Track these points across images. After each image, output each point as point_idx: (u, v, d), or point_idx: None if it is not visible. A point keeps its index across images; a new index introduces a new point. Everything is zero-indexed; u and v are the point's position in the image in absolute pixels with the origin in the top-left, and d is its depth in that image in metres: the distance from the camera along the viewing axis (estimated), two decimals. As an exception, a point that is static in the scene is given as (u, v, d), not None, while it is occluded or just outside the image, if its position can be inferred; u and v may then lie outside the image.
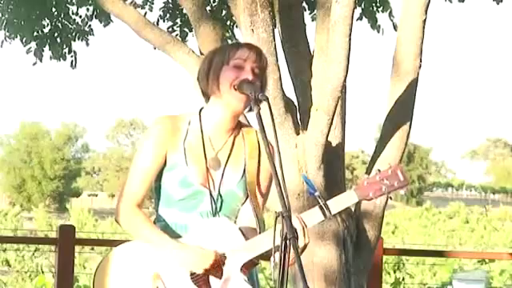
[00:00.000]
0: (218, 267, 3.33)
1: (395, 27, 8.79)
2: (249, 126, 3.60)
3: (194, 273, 3.35)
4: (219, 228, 3.37)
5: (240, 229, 3.37)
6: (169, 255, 3.36)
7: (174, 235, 3.40)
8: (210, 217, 3.43)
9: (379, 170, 3.35)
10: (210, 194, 3.44)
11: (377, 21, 8.85)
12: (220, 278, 3.34)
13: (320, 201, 3.32)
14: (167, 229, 3.43)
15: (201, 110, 3.53)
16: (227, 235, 3.35)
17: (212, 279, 3.35)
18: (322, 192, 5.82)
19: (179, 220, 3.45)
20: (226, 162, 3.48)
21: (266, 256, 3.28)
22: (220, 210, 3.46)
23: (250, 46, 3.51)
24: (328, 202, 3.33)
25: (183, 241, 3.39)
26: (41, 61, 8.80)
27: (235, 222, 3.47)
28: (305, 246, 3.33)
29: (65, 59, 8.86)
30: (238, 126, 3.54)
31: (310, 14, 8.41)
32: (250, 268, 3.39)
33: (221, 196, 3.45)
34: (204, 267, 3.32)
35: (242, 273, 3.33)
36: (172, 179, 3.44)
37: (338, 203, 3.34)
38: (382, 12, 8.86)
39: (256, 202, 3.45)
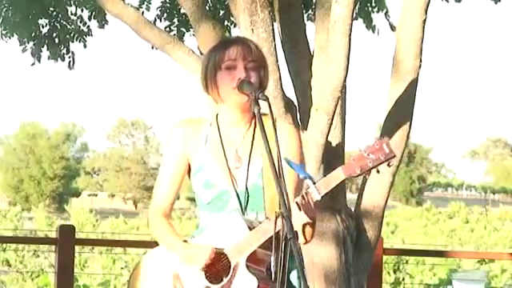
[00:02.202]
0: (219, 262, 3.35)
1: (392, 27, 8.79)
2: (263, 114, 3.45)
3: (207, 271, 3.38)
4: (227, 224, 3.40)
5: (247, 223, 3.37)
6: (178, 256, 3.44)
7: None
8: (240, 214, 3.44)
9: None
10: (236, 192, 3.45)
11: (372, 21, 8.84)
12: (228, 273, 3.36)
13: (310, 183, 3.30)
14: (203, 232, 3.49)
15: (217, 115, 3.55)
16: (234, 230, 3.37)
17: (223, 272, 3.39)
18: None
19: (211, 222, 3.48)
20: (250, 157, 3.48)
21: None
22: (247, 206, 3.46)
23: (236, 43, 3.48)
24: (317, 184, 3.30)
25: (196, 240, 3.46)
26: (39, 61, 8.79)
27: (266, 217, 3.42)
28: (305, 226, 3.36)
29: (63, 60, 8.85)
30: (253, 117, 3.50)
31: (305, 13, 8.38)
32: (260, 257, 3.37)
33: (247, 191, 3.45)
34: (201, 262, 3.35)
35: (248, 264, 3.34)
36: (198, 183, 3.49)
37: (326, 183, 3.30)
38: (378, 12, 8.85)
39: (270, 188, 3.40)
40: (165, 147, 3.59)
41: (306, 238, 3.42)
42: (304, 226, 3.38)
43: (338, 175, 3.30)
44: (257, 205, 3.46)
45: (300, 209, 3.28)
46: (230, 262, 3.35)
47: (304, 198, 3.30)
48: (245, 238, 3.34)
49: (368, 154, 3.25)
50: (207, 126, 3.53)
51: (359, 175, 3.29)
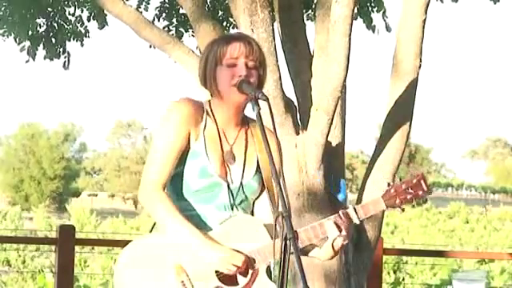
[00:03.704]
0: (245, 269, 3.31)
1: (387, 27, 8.83)
2: (254, 120, 3.48)
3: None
4: (247, 225, 3.36)
5: (265, 226, 3.36)
6: (196, 250, 3.30)
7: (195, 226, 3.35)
8: (228, 210, 3.40)
9: (400, 179, 3.60)
10: (228, 187, 3.42)
11: (372, 21, 8.86)
12: (245, 276, 3.32)
13: (351, 207, 3.44)
14: (188, 219, 3.35)
15: (209, 102, 3.49)
16: (255, 233, 3.34)
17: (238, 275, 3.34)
18: (322, 192, 5.82)
19: (195, 211, 3.40)
20: (245, 157, 3.46)
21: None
22: (236, 203, 3.43)
23: (239, 40, 3.46)
24: (356, 208, 3.43)
25: (210, 235, 3.34)
26: (33, 59, 8.76)
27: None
28: (343, 246, 3.44)
29: (59, 58, 8.83)
30: (245, 120, 3.52)
31: (305, 13, 8.39)
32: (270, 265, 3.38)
33: (242, 189, 3.43)
34: (232, 270, 3.29)
35: (267, 272, 3.32)
36: (193, 168, 3.39)
37: (365, 209, 3.46)
38: (377, 12, 8.86)
39: (274, 198, 3.42)
40: (166, 118, 3.39)
41: (332, 253, 3.44)
42: (339, 242, 3.41)
43: (378, 204, 3.47)
44: (245, 204, 3.46)
45: (340, 229, 3.38)
46: (248, 269, 3.31)
47: (341, 218, 3.39)
48: (269, 246, 3.29)
49: (407, 188, 3.50)
50: (204, 112, 3.46)
51: (397, 207, 3.51)
